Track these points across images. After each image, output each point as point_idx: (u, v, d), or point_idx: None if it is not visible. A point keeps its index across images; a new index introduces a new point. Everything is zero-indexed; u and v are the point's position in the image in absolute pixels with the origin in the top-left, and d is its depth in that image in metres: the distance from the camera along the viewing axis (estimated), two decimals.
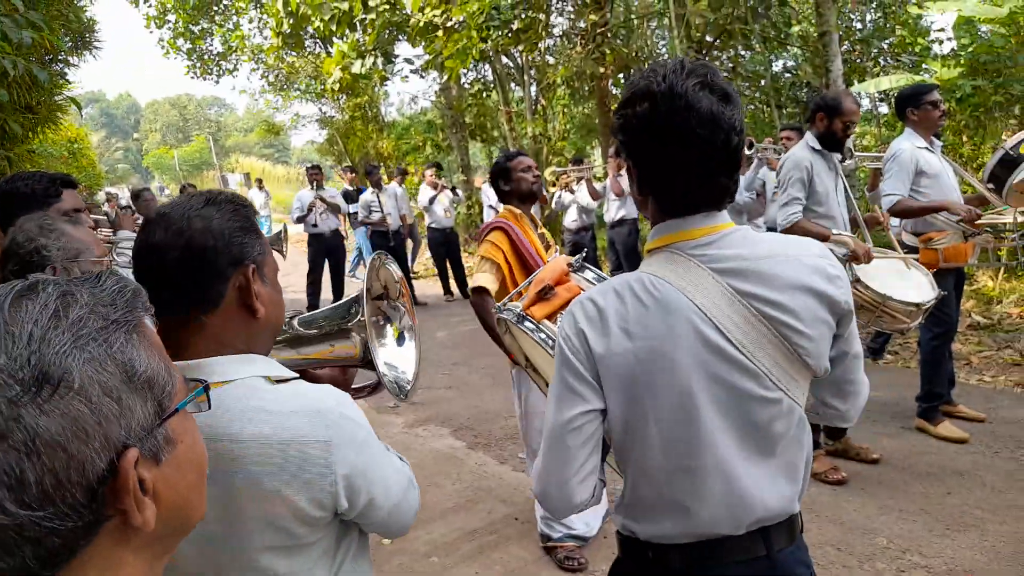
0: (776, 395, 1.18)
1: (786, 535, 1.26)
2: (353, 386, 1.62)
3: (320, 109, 19.57)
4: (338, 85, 13.66)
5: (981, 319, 6.61)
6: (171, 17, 18.95)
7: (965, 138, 7.99)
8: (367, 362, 1.50)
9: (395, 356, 1.70)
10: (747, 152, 6.37)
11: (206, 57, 20.09)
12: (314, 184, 9.27)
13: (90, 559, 0.62)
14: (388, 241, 9.69)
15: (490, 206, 10.01)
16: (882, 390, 4.89)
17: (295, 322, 1.55)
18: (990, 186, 4.01)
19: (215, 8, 19.13)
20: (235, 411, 1.05)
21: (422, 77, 16.42)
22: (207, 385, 0.76)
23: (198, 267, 1.10)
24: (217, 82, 20.81)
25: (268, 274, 1.18)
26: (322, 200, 9.07)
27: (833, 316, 1.22)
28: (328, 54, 15.40)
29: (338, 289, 9.55)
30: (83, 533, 0.61)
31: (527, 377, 3.19)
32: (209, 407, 0.76)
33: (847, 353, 1.30)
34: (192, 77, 20.02)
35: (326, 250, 9.22)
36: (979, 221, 4.14)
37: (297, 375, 1.16)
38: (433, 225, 9.90)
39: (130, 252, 2.95)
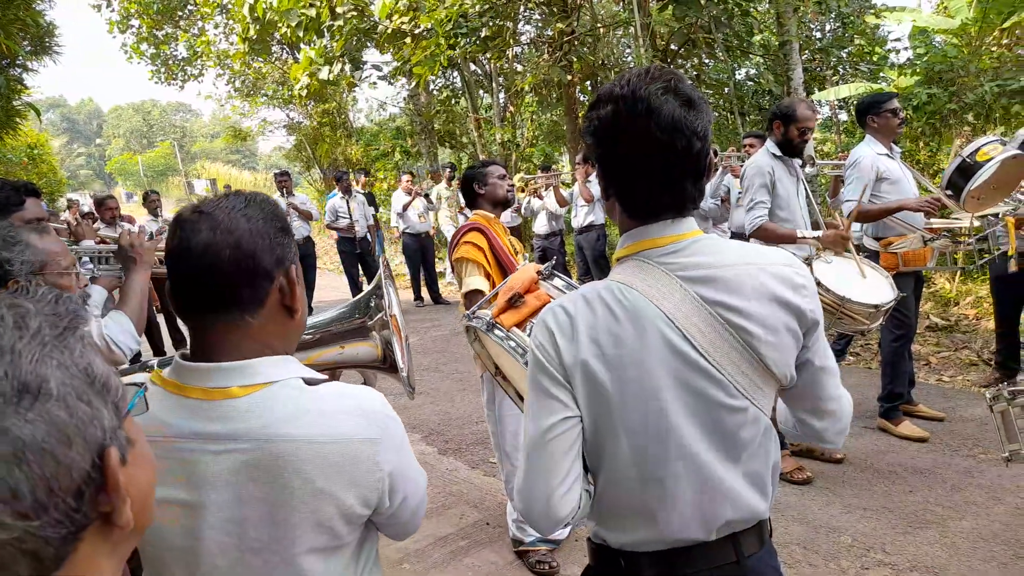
0: (742, 403, 1.19)
1: (756, 540, 1.27)
2: None
3: (288, 115, 19.42)
4: (306, 91, 13.55)
5: (939, 321, 6.78)
6: (135, 22, 18.66)
7: (921, 144, 8.20)
8: (386, 360, 1.54)
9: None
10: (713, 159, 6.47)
11: (171, 62, 19.82)
12: (283, 191, 9.15)
13: (74, 566, 0.63)
14: (355, 248, 9.62)
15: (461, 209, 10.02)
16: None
17: None
18: (948, 193, 4.13)
19: (180, 13, 18.88)
20: (285, 413, 1.06)
21: (391, 84, 16.43)
22: (146, 388, 0.78)
23: (249, 267, 1.10)
24: (182, 88, 20.67)
25: (299, 276, 1.21)
26: (293, 207, 8.97)
27: (800, 326, 1.22)
28: (295, 60, 15.30)
29: (308, 298, 9.47)
30: (71, 539, 0.61)
31: None
32: (147, 408, 0.78)
33: (812, 363, 1.28)
34: (156, 82, 19.75)
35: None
36: (937, 225, 4.26)
37: (327, 377, 1.18)
38: (408, 231, 9.86)
39: (90, 264, 2.89)
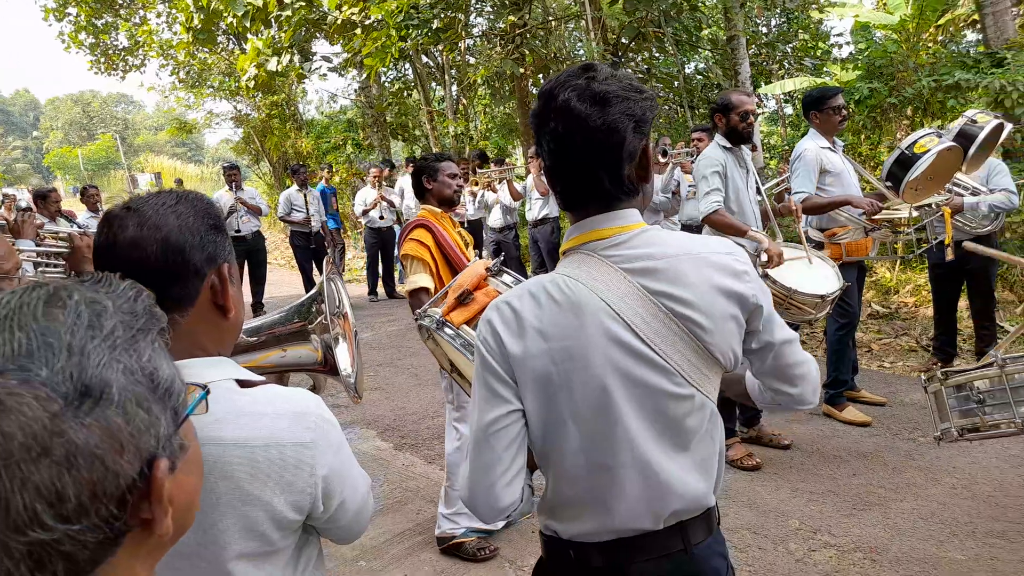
0: (688, 391, 1.21)
1: (703, 528, 1.29)
2: None
3: (235, 107, 18.94)
4: (253, 83, 13.26)
5: (880, 308, 7.02)
6: (72, 10, 17.97)
7: (863, 137, 8.44)
8: (326, 363, 1.51)
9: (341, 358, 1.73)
10: (662, 160, 6.59)
11: (111, 52, 19.14)
12: (232, 185, 8.95)
13: (110, 570, 0.62)
14: (310, 242, 9.48)
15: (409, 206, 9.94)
16: None
17: None
18: (888, 184, 4.27)
19: (120, 1, 18.26)
20: (216, 415, 1.03)
21: (341, 75, 16.16)
22: (208, 390, 0.76)
23: (177, 264, 1.08)
24: (123, 78, 19.85)
25: (234, 274, 1.18)
26: (242, 203, 8.78)
27: (743, 312, 1.25)
28: (242, 51, 14.94)
29: (259, 295, 9.27)
30: (109, 545, 0.61)
31: None
32: (207, 410, 0.77)
33: (772, 343, 1.31)
34: (96, 73, 19.07)
35: (246, 254, 8.90)
36: (878, 217, 4.40)
37: (263, 379, 1.16)
38: (370, 225, 9.74)
39: (31, 263, 2.77)
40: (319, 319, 1.69)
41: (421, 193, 3.39)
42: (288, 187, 9.93)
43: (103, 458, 0.58)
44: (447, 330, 2.42)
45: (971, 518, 3.29)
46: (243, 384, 1.11)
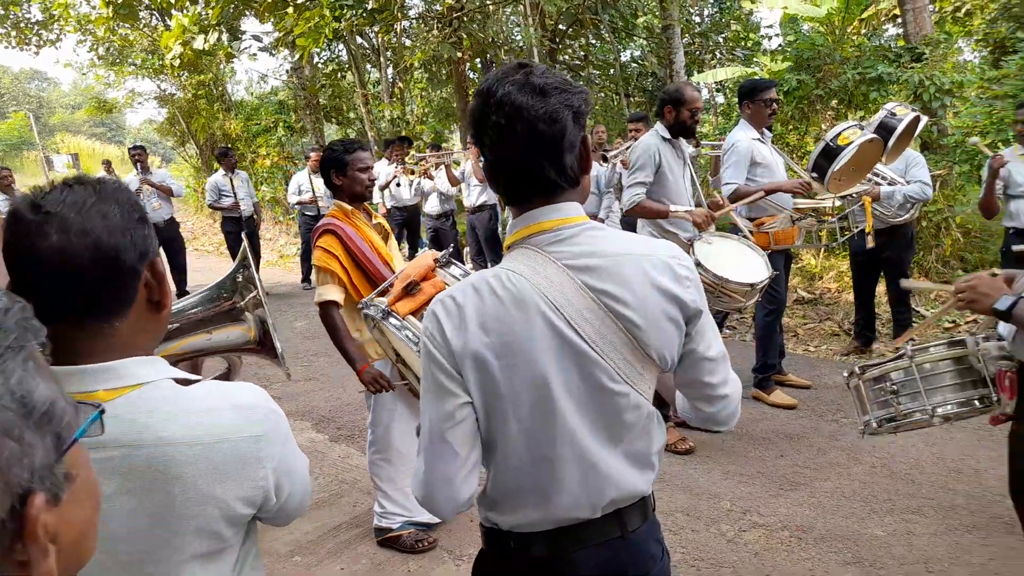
0: (624, 388, 1.24)
1: (639, 515, 1.33)
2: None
3: (159, 86, 18.16)
4: (178, 61, 12.74)
5: (805, 294, 7.28)
6: None
7: (791, 128, 8.70)
8: (263, 342, 1.45)
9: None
10: (603, 164, 6.66)
11: (23, 25, 18.06)
12: (139, 166, 8.55)
13: None
14: (240, 227, 9.20)
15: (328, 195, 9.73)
16: None
17: None
18: (814, 175, 4.42)
19: None
20: (160, 415, 0.99)
21: (272, 55, 15.73)
22: (103, 409, 0.69)
23: (113, 269, 1.01)
24: (37, 54, 18.78)
25: (164, 265, 1.13)
26: (150, 184, 8.39)
27: (682, 315, 1.27)
28: (166, 27, 14.33)
29: (182, 283, 8.94)
30: None
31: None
32: (102, 431, 0.69)
33: (696, 352, 1.32)
34: (6, 47, 17.95)
35: (162, 243, 8.51)
36: (803, 206, 4.55)
37: (199, 376, 1.12)
38: (305, 212, 9.52)
39: None
40: (252, 294, 1.62)
41: (332, 189, 3.21)
42: (216, 171, 9.60)
43: None
44: (392, 320, 2.39)
45: (889, 495, 3.47)
46: (180, 382, 1.07)
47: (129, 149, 9.13)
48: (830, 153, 4.29)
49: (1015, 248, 4.70)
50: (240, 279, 1.63)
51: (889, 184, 4.98)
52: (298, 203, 9.44)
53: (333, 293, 3.05)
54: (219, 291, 1.64)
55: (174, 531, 1.00)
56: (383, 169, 8.55)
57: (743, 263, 3.89)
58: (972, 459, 3.77)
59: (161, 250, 1.24)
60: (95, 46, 17.94)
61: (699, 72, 11.28)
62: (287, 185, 9.88)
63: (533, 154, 1.22)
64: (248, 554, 1.15)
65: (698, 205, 4.27)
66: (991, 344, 2.08)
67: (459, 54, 11.00)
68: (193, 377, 1.10)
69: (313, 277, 3.23)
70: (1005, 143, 6.52)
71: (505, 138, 1.21)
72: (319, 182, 9.04)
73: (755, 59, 11.34)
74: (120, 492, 0.97)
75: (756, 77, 5.05)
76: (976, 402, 2.15)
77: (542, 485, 1.26)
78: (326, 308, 3.05)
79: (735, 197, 4.39)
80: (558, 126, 1.21)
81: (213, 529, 1.03)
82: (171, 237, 8.67)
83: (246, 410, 1.06)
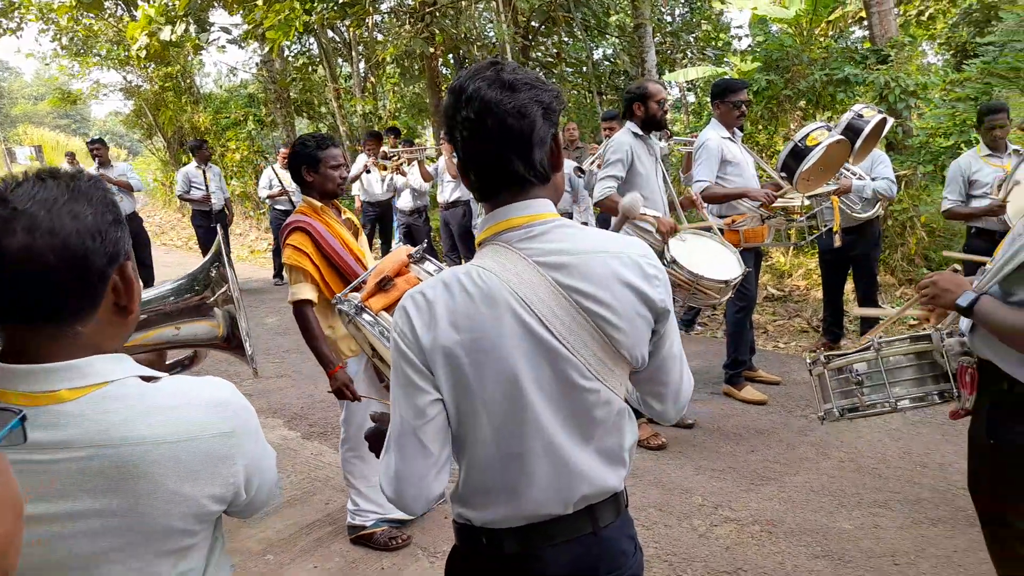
0: (595, 385, 1.25)
1: (611, 511, 1.34)
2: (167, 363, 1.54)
3: (125, 78, 17.77)
4: (145, 52, 12.48)
5: (775, 291, 7.39)
6: None
7: (760, 127, 8.82)
8: (230, 338, 1.42)
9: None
10: (580, 176, 6.69)
11: None
12: (98, 161, 8.40)
13: None
14: (211, 221, 9.05)
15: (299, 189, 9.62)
16: (695, 360, 5.34)
17: None
18: (783, 174, 4.48)
19: None
20: (127, 414, 0.97)
21: (241, 48, 15.46)
22: (24, 416, 0.67)
23: (80, 272, 0.97)
24: None
25: (134, 269, 1.09)
26: (108, 180, 8.24)
27: (651, 313, 1.29)
28: (132, 18, 14.04)
29: (149, 281, 8.77)
30: None
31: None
32: (24, 440, 0.67)
33: (660, 350, 1.35)
34: None
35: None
36: (773, 205, 4.62)
37: (165, 373, 1.09)
38: (276, 206, 9.40)
39: None
40: (223, 289, 1.59)
41: (302, 185, 3.15)
42: (186, 164, 9.44)
43: None
44: (366, 316, 2.38)
45: (857, 489, 3.53)
46: (147, 380, 1.04)
47: (88, 143, 8.93)
48: (799, 154, 4.37)
49: (946, 254, 4.86)
50: (213, 274, 1.60)
51: (858, 179, 5.08)
52: (268, 197, 9.32)
53: (307, 292, 3.01)
54: (191, 283, 1.61)
55: (140, 531, 0.98)
56: (361, 162, 8.54)
57: (716, 261, 3.94)
58: (937, 454, 3.86)
59: None
60: (58, 35, 17.48)
61: (670, 71, 11.36)
62: (257, 179, 9.74)
63: (503, 148, 1.23)
64: (216, 548, 1.14)
65: (670, 202, 4.30)
66: (954, 340, 2.13)
67: (431, 49, 10.95)
68: (158, 374, 1.07)
69: (285, 274, 3.18)
70: (968, 144, 6.68)
71: (476, 133, 1.22)
72: (288, 176, 8.95)
73: (725, 59, 11.47)
74: (85, 492, 0.95)
75: (729, 77, 5.11)
76: (936, 396, 2.21)
77: (513, 481, 1.27)
78: (300, 307, 3.02)
79: (707, 196, 4.44)
80: (527, 121, 1.21)
81: (181, 527, 1.01)
82: (135, 232, 8.49)
83: (216, 407, 1.05)
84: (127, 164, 9.27)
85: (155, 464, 0.97)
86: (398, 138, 9.46)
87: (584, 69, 12.13)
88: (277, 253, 9.77)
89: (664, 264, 3.85)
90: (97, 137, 8.97)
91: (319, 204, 3.13)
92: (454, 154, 1.31)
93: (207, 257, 1.63)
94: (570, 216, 6.99)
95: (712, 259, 3.93)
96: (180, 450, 0.99)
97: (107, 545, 0.97)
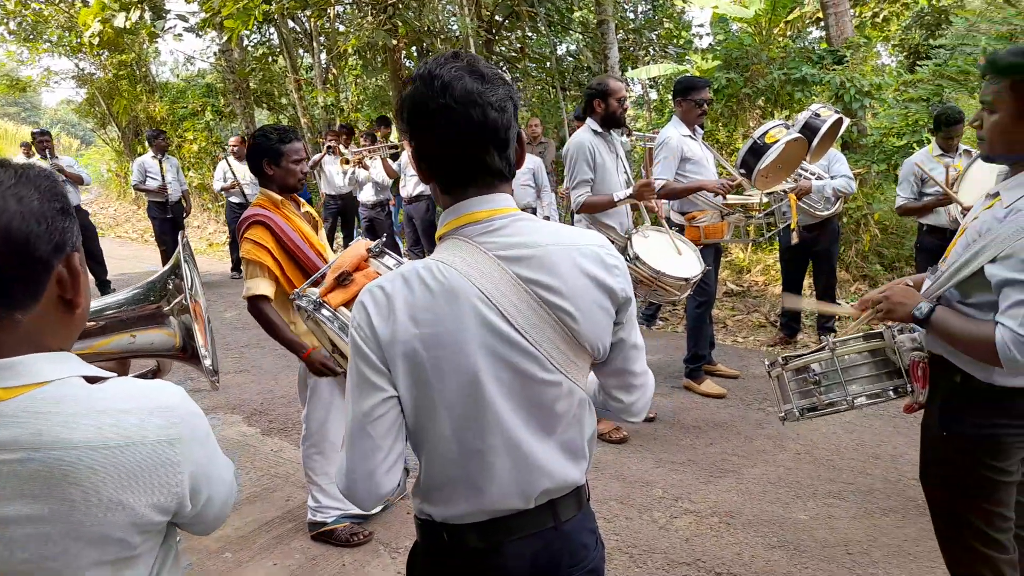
0: (556, 378, 1.26)
1: (573, 505, 1.35)
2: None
3: (77, 65, 17.26)
4: (97, 39, 12.13)
5: (734, 287, 7.51)
6: None
7: (720, 125, 8.94)
8: (186, 349, 1.39)
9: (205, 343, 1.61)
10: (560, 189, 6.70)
11: None
12: (45, 152, 8.16)
13: None
14: (167, 213, 8.85)
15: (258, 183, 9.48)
16: (656, 354, 5.41)
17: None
18: (742, 171, 4.56)
19: None
20: (64, 416, 0.93)
21: (199, 36, 15.09)
22: None
23: (22, 257, 0.95)
24: None
25: (83, 262, 1.06)
26: (59, 170, 8.00)
27: (612, 304, 1.30)
28: (84, 3, 13.63)
29: (101, 274, 8.54)
30: None
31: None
32: None
33: (625, 341, 1.36)
34: None
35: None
36: (732, 202, 4.69)
37: (114, 373, 1.05)
38: (231, 199, 9.23)
39: None
40: (178, 299, 1.56)
41: (262, 179, 3.10)
42: (142, 155, 9.20)
43: None
44: (324, 311, 2.35)
45: (812, 481, 3.62)
46: (92, 380, 1.01)
47: (33, 134, 8.66)
48: (757, 151, 4.44)
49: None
50: (171, 286, 1.56)
51: (818, 179, 5.19)
52: (222, 189, 9.16)
53: (263, 287, 2.96)
54: (148, 292, 1.58)
55: (76, 538, 0.95)
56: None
57: (678, 258, 3.99)
58: (889, 445, 3.97)
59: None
60: (4, 19, 16.88)
61: (633, 68, 11.44)
62: (215, 171, 9.55)
63: (484, 141, 1.22)
64: (166, 560, 1.10)
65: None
66: (905, 337, 2.19)
67: (394, 42, 10.84)
68: (106, 374, 1.04)
69: (243, 267, 3.12)
70: (919, 144, 6.87)
71: (455, 123, 1.19)
72: (242, 168, 8.82)
73: (687, 57, 11.58)
74: (20, 497, 0.92)
75: (691, 75, 5.17)
76: (891, 392, 2.27)
77: (473, 476, 1.27)
78: (255, 303, 2.97)
79: (665, 192, 4.49)
80: (506, 116, 1.22)
81: (118, 537, 0.97)
82: (83, 225, 8.28)
83: (161, 411, 1.00)
84: (71, 158, 9.01)
85: (91, 470, 0.93)
86: (351, 136, 9.38)
87: (548, 64, 12.14)
88: (235, 247, 9.60)
89: (627, 260, 3.89)
90: (42, 129, 8.73)
91: (279, 198, 3.08)
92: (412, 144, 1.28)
93: (166, 266, 1.60)
94: (534, 211, 7.00)
95: (673, 256, 3.97)
96: (119, 455, 0.95)
97: (42, 553, 0.94)
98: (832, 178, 5.23)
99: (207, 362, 1.55)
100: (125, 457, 0.95)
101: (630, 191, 3.97)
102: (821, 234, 5.36)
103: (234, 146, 9.15)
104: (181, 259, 1.56)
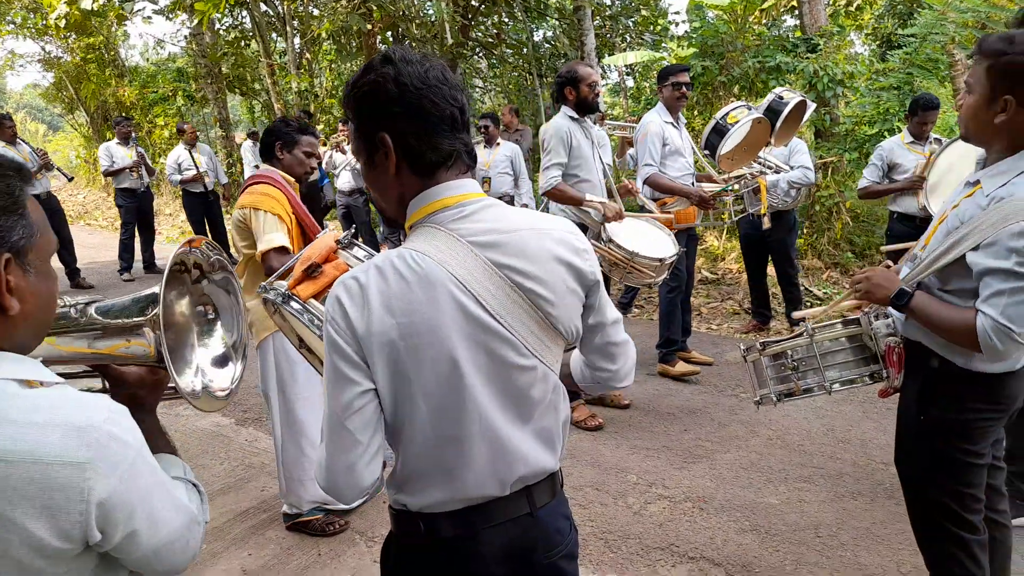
0: (531, 362, 1.27)
1: (548, 492, 1.36)
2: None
3: (43, 48, 16.86)
4: (64, 22, 11.87)
5: (708, 274, 7.57)
6: None
7: (696, 113, 8.98)
8: (161, 363, 1.34)
9: (210, 363, 1.55)
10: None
11: None
12: (15, 140, 7.97)
13: None
14: (136, 200, 8.67)
15: (255, 166, 9.36)
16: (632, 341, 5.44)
17: (91, 309, 1.35)
18: (706, 152, 4.61)
19: None
20: None
21: (168, 19, 14.81)
22: None
23: None
24: None
25: (35, 261, 1.00)
26: (44, 159, 7.83)
27: (582, 287, 1.33)
28: None
29: (71, 262, 8.36)
30: None
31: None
32: None
33: (603, 323, 1.41)
34: None
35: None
36: (706, 189, 4.72)
37: (61, 379, 1.00)
38: (192, 191, 9.07)
39: None
40: (154, 311, 1.51)
41: (269, 156, 3.08)
42: (108, 140, 9.02)
43: None
44: (293, 304, 2.32)
45: (784, 466, 3.67)
46: (31, 384, 0.95)
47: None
48: (721, 131, 4.49)
49: (883, 248, 5.09)
50: (149, 315, 1.50)
51: (775, 172, 5.25)
52: (182, 182, 8.97)
53: (283, 239, 2.81)
54: (141, 300, 1.53)
55: None
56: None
57: (652, 240, 4.02)
58: (858, 430, 4.04)
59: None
60: None
61: (610, 55, 11.42)
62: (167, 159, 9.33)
63: (462, 127, 1.26)
64: None
65: (608, 188, 4.34)
66: (880, 323, 2.22)
67: (369, 26, 10.73)
68: (52, 379, 0.98)
69: (235, 235, 2.95)
70: (891, 132, 6.95)
71: (431, 104, 1.22)
72: (201, 158, 8.73)
73: (663, 44, 11.60)
74: None
75: (671, 63, 5.23)
76: (867, 377, 2.30)
77: (450, 465, 1.27)
78: (276, 259, 2.77)
79: (651, 181, 4.52)
80: (466, 101, 1.28)
81: (13, 557, 0.91)
82: (52, 211, 8.09)
83: (76, 431, 0.93)
84: (27, 147, 8.80)
85: None
86: (310, 119, 9.29)
87: (524, 51, 12.09)
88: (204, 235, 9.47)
89: (602, 243, 3.91)
90: (4, 114, 8.51)
91: (289, 177, 3.08)
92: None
93: (146, 293, 1.53)
94: (511, 200, 6.98)
95: (648, 239, 4.00)
96: (14, 470, 0.89)
97: None
98: (792, 169, 5.28)
99: (193, 386, 1.48)
100: (20, 474, 0.89)
101: (602, 200, 3.99)
102: (775, 224, 5.37)
103: (193, 133, 9.06)
104: (160, 295, 1.50)
